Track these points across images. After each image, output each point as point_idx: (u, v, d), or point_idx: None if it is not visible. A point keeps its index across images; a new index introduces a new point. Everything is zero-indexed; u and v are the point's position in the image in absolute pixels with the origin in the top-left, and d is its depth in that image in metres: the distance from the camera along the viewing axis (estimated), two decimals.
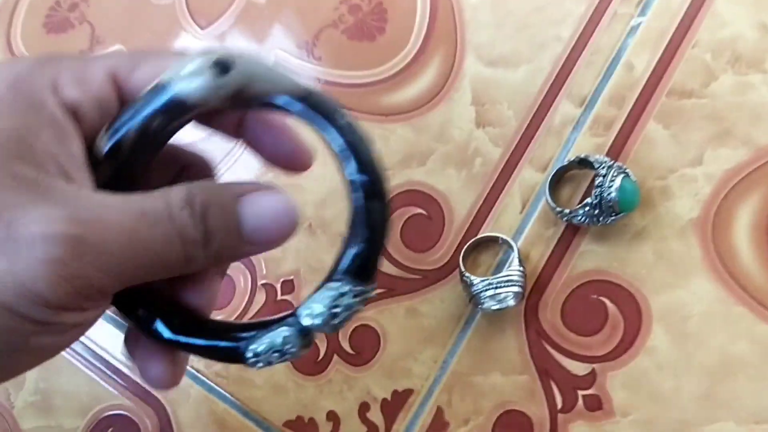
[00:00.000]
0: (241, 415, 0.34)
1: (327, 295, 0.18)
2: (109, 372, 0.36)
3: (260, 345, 0.18)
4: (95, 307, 0.17)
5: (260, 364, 0.18)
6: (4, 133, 0.16)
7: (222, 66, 0.17)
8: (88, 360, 0.36)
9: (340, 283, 0.18)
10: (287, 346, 0.18)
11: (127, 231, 0.16)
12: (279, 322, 0.19)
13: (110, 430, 0.35)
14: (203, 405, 0.34)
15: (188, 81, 0.17)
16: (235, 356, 0.19)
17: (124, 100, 0.19)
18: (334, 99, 0.19)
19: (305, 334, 0.18)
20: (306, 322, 0.18)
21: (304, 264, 0.35)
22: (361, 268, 0.18)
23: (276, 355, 0.18)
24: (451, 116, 0.34)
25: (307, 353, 0.19)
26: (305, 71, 0.38)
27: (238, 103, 0.18)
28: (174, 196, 0.17)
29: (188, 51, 0.19)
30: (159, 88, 0.18)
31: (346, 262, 0.18)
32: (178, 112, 0.18)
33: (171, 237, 0.17)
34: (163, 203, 0.17)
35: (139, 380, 0.35)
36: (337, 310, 0.18)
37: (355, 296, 0.18)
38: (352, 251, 0.18)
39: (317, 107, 0.18)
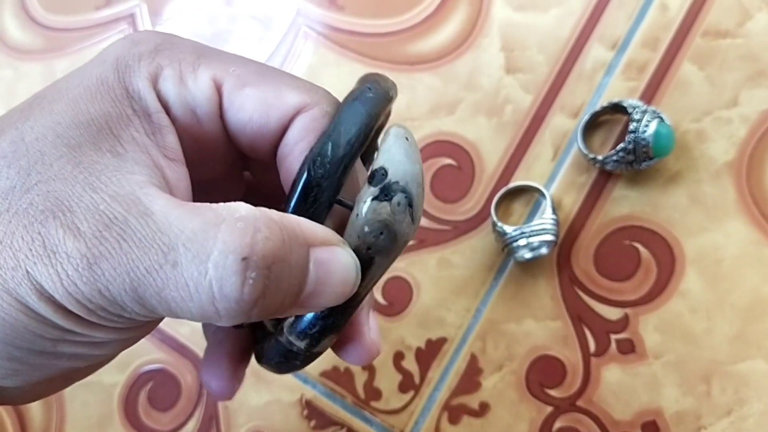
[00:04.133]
0: None
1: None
2: None
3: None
4: (130, 327, 0.15)
5: None
6: (92, 120, 0.16)
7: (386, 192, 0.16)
8: None
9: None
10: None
11: (140, 266, 0.14)
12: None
13: (150, 384, 0.36)
14: None
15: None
16: None
17: (224, 116, 0.18)
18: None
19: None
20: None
21: None
22: None
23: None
24: (480, 63, 0.34)
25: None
26: (329, 22, 0.37)
27: None
28: (227, 240, 0.14)
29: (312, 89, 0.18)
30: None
31: None
32: None
33: (196, 283, 0.14)
34: (203, 243, 0.14)
35: (175, 335, 0.36)
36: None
37: None
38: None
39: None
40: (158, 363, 0.36)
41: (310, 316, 0.17)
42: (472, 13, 0.34)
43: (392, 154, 0.16)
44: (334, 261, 0.15)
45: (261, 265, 0.14)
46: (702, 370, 0.29)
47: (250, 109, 0.17)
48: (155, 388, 0.36)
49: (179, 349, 0.36)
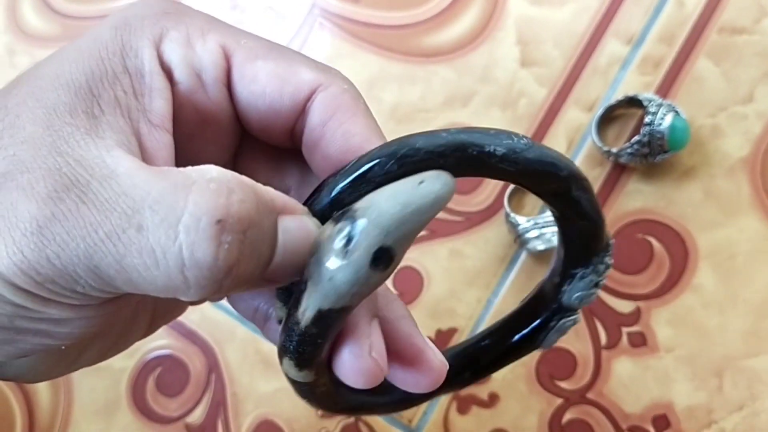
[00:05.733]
0: None
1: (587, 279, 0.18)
2: None
3: (551, 339, 0.19)
4: (87, 305, 0.14)
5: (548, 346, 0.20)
6: (72, 79, 0.15)
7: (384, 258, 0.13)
8: None
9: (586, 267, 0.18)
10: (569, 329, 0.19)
11: (100, 230, 0.13)
12: (548, 318, 0.19)
13: (159, 369, 0.36)
14: (249, 345, 0.35)
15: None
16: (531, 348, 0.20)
17: (234, 88, 0.17)
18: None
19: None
20: (577, 305, 0.19)
21: None
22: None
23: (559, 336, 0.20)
24: (495, 56, 0.34)
25: None
26: (345, 14, 0.37)
27: None
28: (199, 202, 0.13)
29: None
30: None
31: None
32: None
33: (164, 249, 0.12)
34: (176, 199, 0.12)
35: (185, 321, 0.36)
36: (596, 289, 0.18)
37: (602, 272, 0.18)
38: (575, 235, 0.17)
39: None
40: (167, 349, 0.36)
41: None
42: (487, 6, 0.35)
43: (386, 189, 0.13)
44: (302, 229, 0.14)
45: (237, 229, 0.13)
46: (714, 364, 0.29)
47: (263, 81, 0.16)
48: (164, 374, 0.36)
49: (188, 335, 0.36)
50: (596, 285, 0.18)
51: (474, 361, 0.20)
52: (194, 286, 0.13)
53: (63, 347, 0.15)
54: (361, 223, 0.13)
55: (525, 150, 0.14)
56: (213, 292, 0.13)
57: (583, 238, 0.17)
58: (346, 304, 0.14)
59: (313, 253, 0.14)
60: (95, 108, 0.15)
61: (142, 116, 0.15)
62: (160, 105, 0.16)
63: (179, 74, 0.16)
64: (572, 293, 0.18)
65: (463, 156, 0.14)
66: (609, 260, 0.18)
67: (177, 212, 0.12)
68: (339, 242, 0.13)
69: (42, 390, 0.37)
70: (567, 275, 0.18)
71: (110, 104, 0.15)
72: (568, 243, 0.17)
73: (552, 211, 0.17)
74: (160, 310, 0.20)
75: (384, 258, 0.13)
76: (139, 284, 0.13)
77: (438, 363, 0.17)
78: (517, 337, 0.20)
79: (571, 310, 0.19)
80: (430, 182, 0.13)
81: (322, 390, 0.17)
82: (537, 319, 0.19)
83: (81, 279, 0.13)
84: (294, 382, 0.16)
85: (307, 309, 0.14)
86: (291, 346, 0.15)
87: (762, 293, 0.29)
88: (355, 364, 0.15)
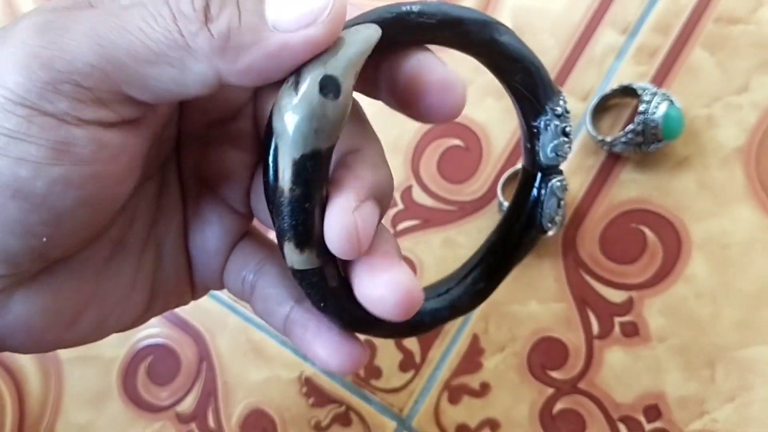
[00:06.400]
0: (278, 344, 0.34)
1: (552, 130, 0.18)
2: None
3: (549, 210, 0.20)
4: (81, 115, 0.14)
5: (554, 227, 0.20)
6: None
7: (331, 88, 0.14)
8: None
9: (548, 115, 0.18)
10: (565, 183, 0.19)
11: (105, 15, 0.14)
12: (537, 187, 0.19)
13: (150, 358, 0.36)
14: (241, 334, 0.35)
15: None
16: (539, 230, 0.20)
17: None
18: None
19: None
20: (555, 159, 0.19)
21: None
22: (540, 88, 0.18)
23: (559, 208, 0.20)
24: None
25: None
26: None
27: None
28: None
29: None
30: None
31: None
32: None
33: (159, 12, 0.14)
34: None
35: (177, 310, 0.36)
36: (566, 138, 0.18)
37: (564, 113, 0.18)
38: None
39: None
40: (158, 338, 0.36)
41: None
42: None
43: None
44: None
45: None
46: (706, 355, 0.29)
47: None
48: (155, 363, 0.36)
49: (180, 324, 0.36)
50: (564, 133, 0.18)
51: (488, 264, 0.20)
52: (193, 26, 0.14)
53: (44, 240, 0.15)
54: (304, 67, 0.15)
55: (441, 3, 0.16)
56: (203, 41, 0.14)
57: (527, 82, 0.18)
58: (316, 146, 0.14)
59: (276, 113, 0.15)
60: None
61: None
62: None
63: None
64: (545, 148, 0.18)
65: (384, 21, 0.16)
66: (564, 103, 0.18)
67: None
68: (290, 86, 0.14)
69: (32, 378, 0.37)
70: (532, 133, 0.18)
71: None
72: (516, 94, 0.18)
73: (491, 71, 0.18)
74: (158, 285, 0.20)
75: (330, 85, 0.14)
76: (139, 51, 0.14)
77: (408, 283, 0.16)
78: (519, 223, 0.20)
79: (555, 171, 0.19)
80: (358, 28, 0.15)
81: (333, 286, 0.16)
82: (529, 195, 0.19)
83: (82, 57, 0.14)
84: (303, 278, 0.16)
85: (284, 168, 0.15)
86: (285, 224, 0.15)
87: (755, 283, 0.29)
88: (338, 218, 0.15)
